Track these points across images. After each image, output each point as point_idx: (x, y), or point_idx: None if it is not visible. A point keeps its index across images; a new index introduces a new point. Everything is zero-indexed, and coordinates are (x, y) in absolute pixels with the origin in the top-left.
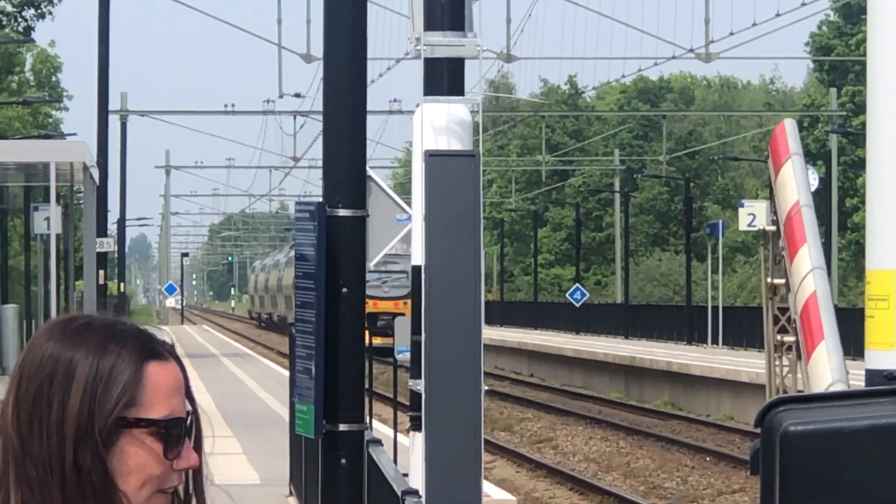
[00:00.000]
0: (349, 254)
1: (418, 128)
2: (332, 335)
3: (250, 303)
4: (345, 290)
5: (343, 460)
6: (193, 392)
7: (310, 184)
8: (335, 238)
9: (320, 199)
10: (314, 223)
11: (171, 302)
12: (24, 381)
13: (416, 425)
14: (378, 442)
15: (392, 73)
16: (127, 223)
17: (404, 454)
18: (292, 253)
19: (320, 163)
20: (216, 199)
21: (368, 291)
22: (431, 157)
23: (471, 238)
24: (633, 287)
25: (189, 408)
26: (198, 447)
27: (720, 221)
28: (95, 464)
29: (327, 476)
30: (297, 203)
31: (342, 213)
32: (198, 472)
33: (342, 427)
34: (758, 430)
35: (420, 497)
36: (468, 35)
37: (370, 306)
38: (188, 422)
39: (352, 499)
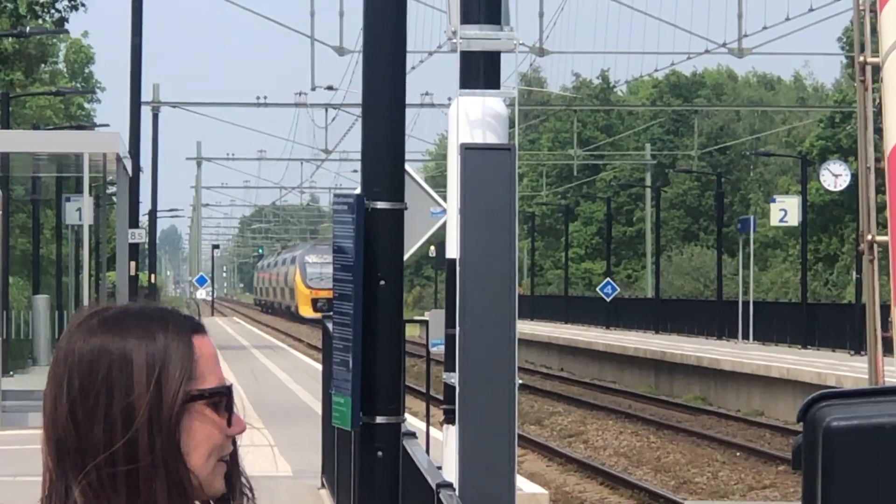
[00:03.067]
0: (387, 246)
1: (454, 121)
2: (369, 328)
3: (255, 293)
4: (382, 282)
5: (379, 453)
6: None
7: (341, 176)
8: (373, 231)
9: (357, 191)
10: (352, 215)
11: (201, 293)
12: (74, 379)
13: (449, 418)
14: (412, 434)
15: (424, 66)
16: (158, 214)
17: (436, 447)
18: (280, 257)
19: (352, 155)
20: (247, 191)
21: (310, 283)
22: (467, 150)
23: (506, 232)
24: (663, 282)
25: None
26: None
27: (751, 217)
28: (168, 444)
29: (363, 468)
30: (336, 195)
31: (380, 205)
32: (235, 441)
33: (379, 419)
34: (799, 426)
35: (454, 490)
36: (504, 28)
37: (313, 293)
38: None
39: (387, 491)
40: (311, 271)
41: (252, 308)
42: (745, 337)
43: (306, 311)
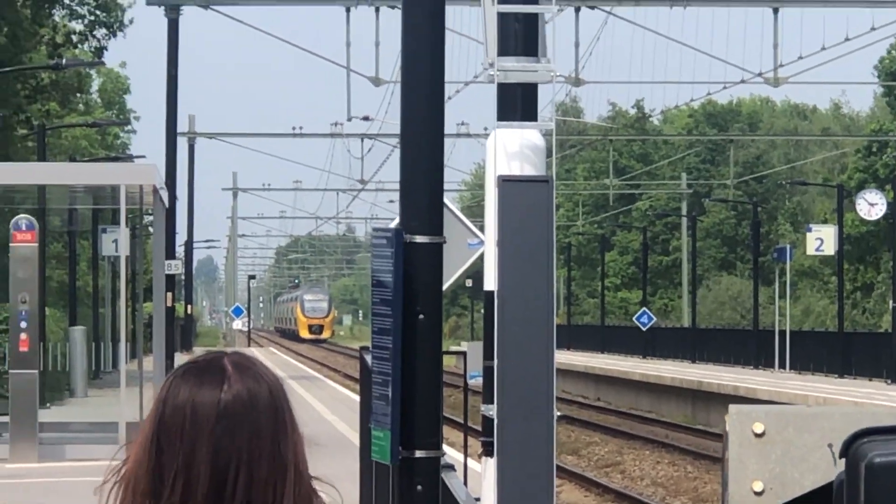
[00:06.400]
0: (426, 280)
1: (491, 153)
2: (408, 361)
3: (274, 321)
4: (421, 316)
5: (419, 487)
6: None
7: (377, 206)
8: (412, 264)
9: (395, 224)
10: (391, 249)
11: (237, 324)
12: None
13: (487, 450)
14: (451, 467)
15: (459, 96)
16: (194, 245)
17: (473, 479)
18: (288, 295)
19: (388, 186)
20: (283, 222)
21: (307, 314)
22: (505, 182)
23: (544, 264)
24: (699, 311)
25: None
26: None
27: (787, 245)
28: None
29: (403, 503)
30: (374, 229)
31: (419, 239)
32: None
33: (419, 454)
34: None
35: None
36: (542, 60)
37: (309, 321)
38: None
39: None
40: (308, 305)
41: (288, 338)
42: (782, 366)
43: (304, 334)
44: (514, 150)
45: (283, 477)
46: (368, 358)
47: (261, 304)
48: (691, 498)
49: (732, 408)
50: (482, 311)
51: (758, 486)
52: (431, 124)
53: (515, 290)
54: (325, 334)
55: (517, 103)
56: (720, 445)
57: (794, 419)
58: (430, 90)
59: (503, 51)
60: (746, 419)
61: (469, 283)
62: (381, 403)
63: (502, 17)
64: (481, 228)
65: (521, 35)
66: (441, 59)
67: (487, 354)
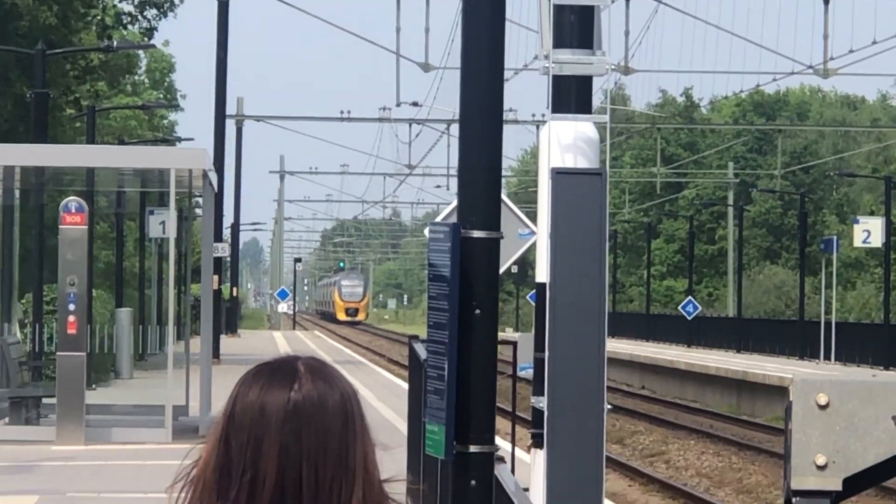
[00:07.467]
0: (483, 275)
1: (545, 145)
2: (464, 357)
3: (315, 304)
4: (478, 311)
5: (473, 482)
6: None
7: (423, 191)
8: (469, 259)
9: (448, 213)
10: (448, 244)
11: (282, 307)
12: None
13: (537, 442)
14: (501, 459)
15: (508, 83)
16: (240, 228)
17: (521, 468)
18: (327, 280)
19: (435, 171)
20: (329, 205)
21: (344, 298)
22: (558, 174)
23: (596, 257)
24: (744, 300)
25: None
26: None
27: (834, 237)
28: None
29: (456, 498)
30: (432, 224)
31: (476, 234)
32: None
33: (473, 448)
34: None
35: None
36: (597, 53)
37: (346, 304)
38: None
39: None
40: (345, 290)
41: (327, 320)
42: (827, 357)
43: (341, 316)
44: (567, 143)
45: (351, 481)
46: (418, 347)
47: (305, 288)
48: (735, 489)
49: (797, 377)
50: (527, 297)
51: (821, 460)
52: (490, 120)
53: (567, 282)
54: (360, 317)
55: (571, 95)
56: (765, 436)
57: (858, 390)
58: (489, 86)
59: (558, 42)
60: (811, 390)
61: (514, 269)
62: (436, 398)
63: (558, 8)
64: (527, 215)
65: (576, 27)
66: (501, 60)
67: (538, 346)
